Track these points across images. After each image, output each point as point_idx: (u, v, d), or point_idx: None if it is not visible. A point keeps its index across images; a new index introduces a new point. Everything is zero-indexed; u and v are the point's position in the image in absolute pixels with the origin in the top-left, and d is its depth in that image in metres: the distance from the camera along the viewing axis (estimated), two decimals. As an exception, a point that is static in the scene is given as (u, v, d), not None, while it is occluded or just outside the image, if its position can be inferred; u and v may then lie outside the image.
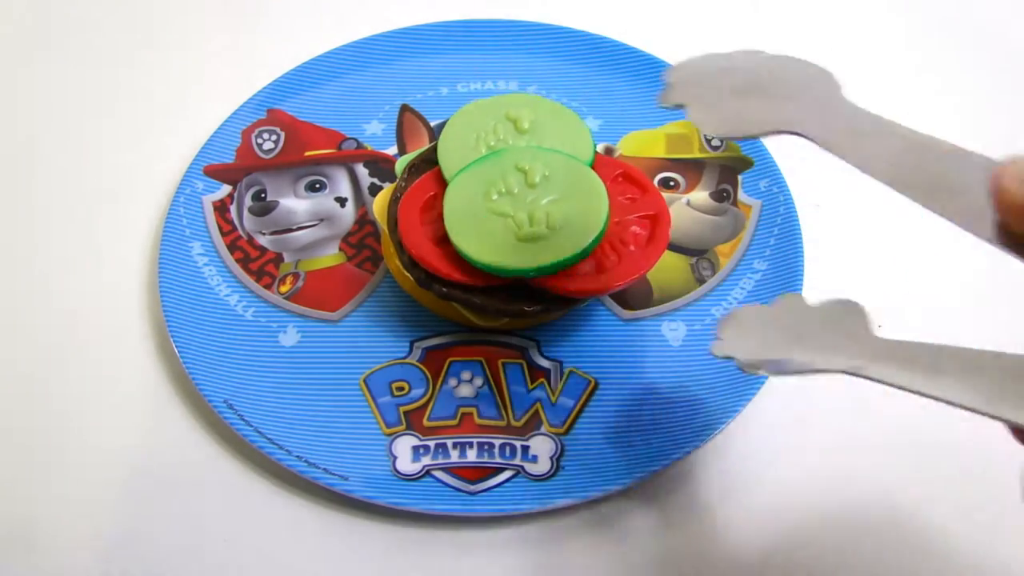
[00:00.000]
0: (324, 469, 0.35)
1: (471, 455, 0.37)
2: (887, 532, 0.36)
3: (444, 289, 0.36)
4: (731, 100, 0.28)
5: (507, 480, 0.36)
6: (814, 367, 0.26)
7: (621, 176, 0.38)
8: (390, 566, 0.35)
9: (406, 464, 0.36)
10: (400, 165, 0.40)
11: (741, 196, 0.44)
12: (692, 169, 0.45)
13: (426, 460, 0.36)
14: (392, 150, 0.46)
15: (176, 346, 0.38)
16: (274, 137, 0.46)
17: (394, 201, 0.38)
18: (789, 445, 0.38)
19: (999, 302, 0.43)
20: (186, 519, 0.36)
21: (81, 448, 0.37)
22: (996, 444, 0.39)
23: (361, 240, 0.43)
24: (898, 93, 0.51)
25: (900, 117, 0.50)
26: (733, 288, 0.41)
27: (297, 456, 0.36)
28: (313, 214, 0.44)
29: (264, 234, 0.43)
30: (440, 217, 0.36)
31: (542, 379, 0.39)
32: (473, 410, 0.38)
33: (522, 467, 0.36)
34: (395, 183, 0.39)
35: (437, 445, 0.37)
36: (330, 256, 0.42)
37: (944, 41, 0.53)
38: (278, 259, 0.42)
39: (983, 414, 0.23)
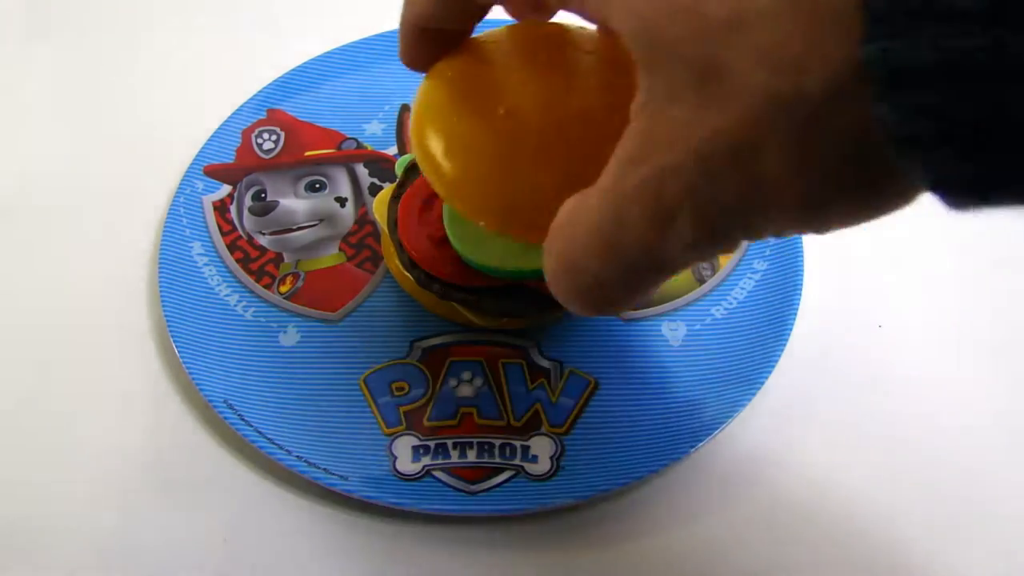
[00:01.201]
0: (324, 469, 0.35)
1: (471, 455, 0.37)
2: (888, 532, 0.36)
3: (443, 289, 0.36)
4: None
5: (507, 480, 0.36)
6: None
7: None
8: (390, 566, 0.35)
9: (406, 464, 0.36)
10: (400, 165, 0.40)
11: (741, 196, 0.44)
12: (692, 169, 0.45)
13: (426, 460, 0.36)
14: (392, 150, 0.46)
15: (176, 346, 0.38)
16: (274, 137, 0.46)
17: (394, 201, 0.38)
18: (789, 445, 0.38)
19: (998, 303, 0.43)
20: (186, 519, 0.36)
21: (81, 448, 0.37)
22: (997, 445, 0.39)
23: (361, 240, 0.43)
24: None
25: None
26: (733, 288, 0.41)
27: (297, 456, 0.36)
28: (313, 214, 0.44)
29: (264, 234, 0.43)
30: (440, 217, 0.36)
31: (542, 379, 0.39)
32: (473, 410, 0.38)
33: (522, 467, 0.36)
34: (395, 183, 0.39)
35: (437, 445, 0.37)
36: (330, 256, 0.42)
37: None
38: (278, 259, 0.42)
39: None
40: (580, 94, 0.29)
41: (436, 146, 0.29)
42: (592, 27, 0.31)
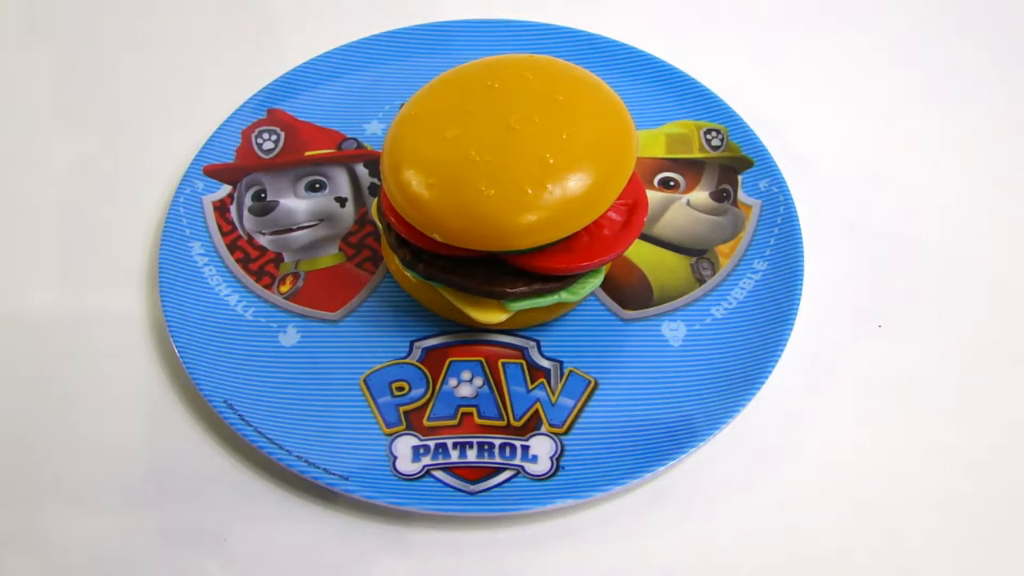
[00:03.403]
0: (324, 469, 0.35)
1: (471, 455, 0.37)
2: (888, 532, 0.36)
3: (427, 268, 0.36)
4: None
5: (507, 480, 0.36)
6: None
7: None
8: (390, 566, 0.35)
9: (406, 464, 0.36)
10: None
11: (741, 196, 0.44)
12: (692, 169, 0.45)
13: (426, 460, 0.36)
14: (392, 150, 0.46)
15: (176, 346, 0.38)
16: (274, 137, 0.46)
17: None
18: (789, 445, 0.38)
19: (997, 303, 0.43)
20: (186, 519, 0.36)
21: (81, 448, 0.37)
22: (998, 443, 0.39)
23: (361, 240, 0.43)
24: (893, 92, 0.51)
25: (898, 114, 0.50)
26: (733, 288, 0.41)
27: (297, 456, 0.36)
28: (313, 214, 0.44)
29: (264, 234, 0.43)
30: None
31: (542, 379, 0.39)
32: (473, 410, 0.38)
33: (522, 467, 0.36)
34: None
35: (437, 445, 0.37)
36: (330, 256, 0.42)
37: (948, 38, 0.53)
38: (278, 259, 0.42)
39: None
40: (515, 115, 0.35)
41: (398, 170, 0.35)
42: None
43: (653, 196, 0.44)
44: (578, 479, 0.36)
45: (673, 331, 0.40)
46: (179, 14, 0.54)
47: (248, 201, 0.44)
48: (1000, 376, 0.40)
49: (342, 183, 0.45)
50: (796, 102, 0.50)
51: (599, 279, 0.38)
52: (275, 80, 0.48)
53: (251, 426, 0.36)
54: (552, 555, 0.35)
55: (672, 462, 0.36)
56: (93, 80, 0.50)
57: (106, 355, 0.40)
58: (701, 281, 0.42)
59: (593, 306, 0.41)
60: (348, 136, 0.46)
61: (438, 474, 0.36)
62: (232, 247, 0.42)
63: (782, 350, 0.38)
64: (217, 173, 0.45)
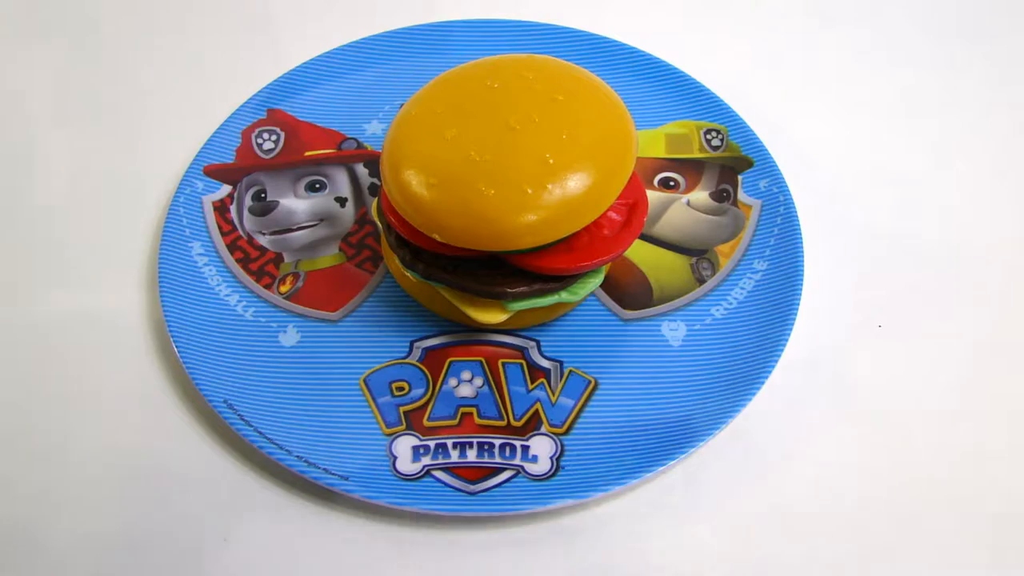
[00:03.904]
0: (324, 469, 0.35)
1: (471, 455, 0.37)
2: (888, 530, 0.36)
3: (427, 268, 0.37)
4: None
5: (507, 480, 0.36)
6: None
7: None
8: (390, 566, 0.35)
9: (406, 464, 0.36)
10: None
11: (741, 196, 0.44)
12: (692, 169, 0.45)
13: (426, 460, 0.36)
14: (392, 150, 0.46)
15: (176, 346, 0.38)
16: (274, 137, 0.46)
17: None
18: (789, 445, 0.38)
19: (997, 303, 0.43)
20: (186, 518, 0.36)
21: (81, 448, 0.37)
22: (997, 441, 0.39)
23: (361, 240, 0.43)
24: (893, 92, 0.51)
25: (899, 115, 0.50)
26: (733, 288, 0.41)
27: (297, 456, 0.36)
28: (313, 214, 0.44)
29: (264, 234, 0.43)
30: None
31: (542, 379, 0.39)
32: (473, 410, 0.38)
33: (522, 467, 0.36)
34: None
35: (437, 445, 0.37)
36: (330, 256, 0.42)
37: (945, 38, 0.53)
38: (278, 259, 0.42)
39: None
40: (515, 115, 0.35)
41: (397, 170, 0.35)
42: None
43: (653, 196, 0.44)
44: (578, 479, 0.36)
45: (673, 331, 0.40)
46: (179, 14, 0.54)
47: (248, 201, 0.44)
48: (1000, 376, 0.40)
49: (342, 183, 0.45)
50: (796, 102, 0.50)
51: (599, 279, 0.38)
52: (275, 80, 0.48)
53: (251, 426, 0.36)
54: (552, 555, 0.35)
55: (672, 462, 0.36)
56: (93, 80, 0.50)
57: (106, 355, 0.40)
58: (701, 281, 0.42)
59: (593, 306, 0.41)
60: (348, 136, 0.46)
61: (438, 474, 0.36)
62: (232, 247, 0.42)
63: (782, 350, 0.38)
64: (217, 173, 0.45)
